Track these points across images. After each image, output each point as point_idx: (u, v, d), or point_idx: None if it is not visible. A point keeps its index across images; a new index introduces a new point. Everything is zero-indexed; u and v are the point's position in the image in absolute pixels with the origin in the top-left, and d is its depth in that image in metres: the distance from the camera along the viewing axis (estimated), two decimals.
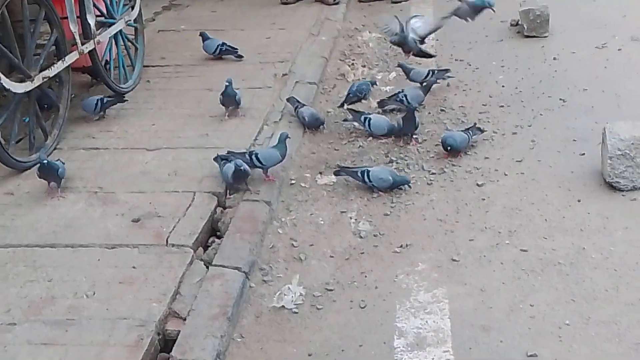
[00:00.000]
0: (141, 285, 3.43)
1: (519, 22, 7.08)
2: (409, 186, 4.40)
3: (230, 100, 5.15)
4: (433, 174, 4.58)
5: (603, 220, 4.01)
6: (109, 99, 5.24)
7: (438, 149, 4.80)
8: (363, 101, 5.58)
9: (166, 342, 3.18)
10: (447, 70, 5.83)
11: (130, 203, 4.13)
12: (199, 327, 3.18)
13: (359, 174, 4.39)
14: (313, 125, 5.16)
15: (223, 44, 6.34)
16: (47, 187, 4.24)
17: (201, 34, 6.44)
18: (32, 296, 3.38)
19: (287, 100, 5.36)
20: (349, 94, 5.58)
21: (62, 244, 3.78)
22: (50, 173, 4.20)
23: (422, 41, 5.21)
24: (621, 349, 3.10)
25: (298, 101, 5.28)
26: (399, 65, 5.87)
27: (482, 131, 4.91)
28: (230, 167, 4.18)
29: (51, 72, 4.67)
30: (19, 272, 3.55)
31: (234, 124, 5.08)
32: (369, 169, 4.40)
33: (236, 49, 6.38)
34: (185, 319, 3.24)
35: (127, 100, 5.30)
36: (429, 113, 5.35)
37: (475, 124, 4.96)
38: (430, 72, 5.65)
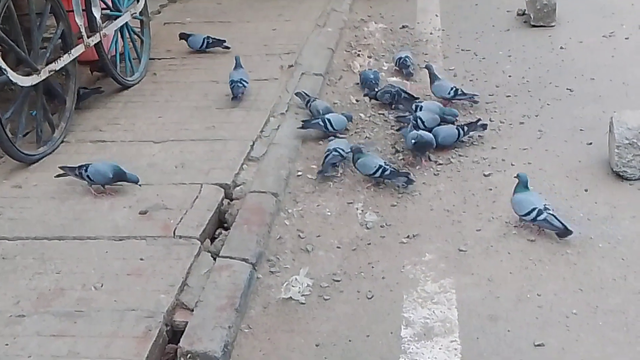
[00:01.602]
0: (149, 276, 3.45)
1: (526, 12, 7.06)
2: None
3: None
4: (440, 164, 4.57)
5: (610, 209, 4.00)
6: (85, 91, 5.29)
7: None
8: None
9: (174, 333, 3.20)
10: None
11: (137, 195, 4.14)
12: (206, 318, 3.19)
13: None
14: None
15: (208, 37, 6.34)
16: (95, 188, 4.16)
17: (180, 35, 6.44)
18: (41, 288, 3.40)
19: (296, 94, 5.34)
20: (366, 81, 5.56)
21: (70, 236, 3.80)
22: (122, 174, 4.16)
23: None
24: (629, 338, 3.10)
25: (307, 95, 5.27)
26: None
27: (484, 127, 4.81)
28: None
29: (58, 65, 4.69)
30: (27, 265, 3.57)
31: (240, 116, 5.09)
32: None
33: (223, 40, 6.37)
34: (193, 310, 3.26)
35: (103, 91, 5.40)
36: None
37: (479, 119, 4.90)
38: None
